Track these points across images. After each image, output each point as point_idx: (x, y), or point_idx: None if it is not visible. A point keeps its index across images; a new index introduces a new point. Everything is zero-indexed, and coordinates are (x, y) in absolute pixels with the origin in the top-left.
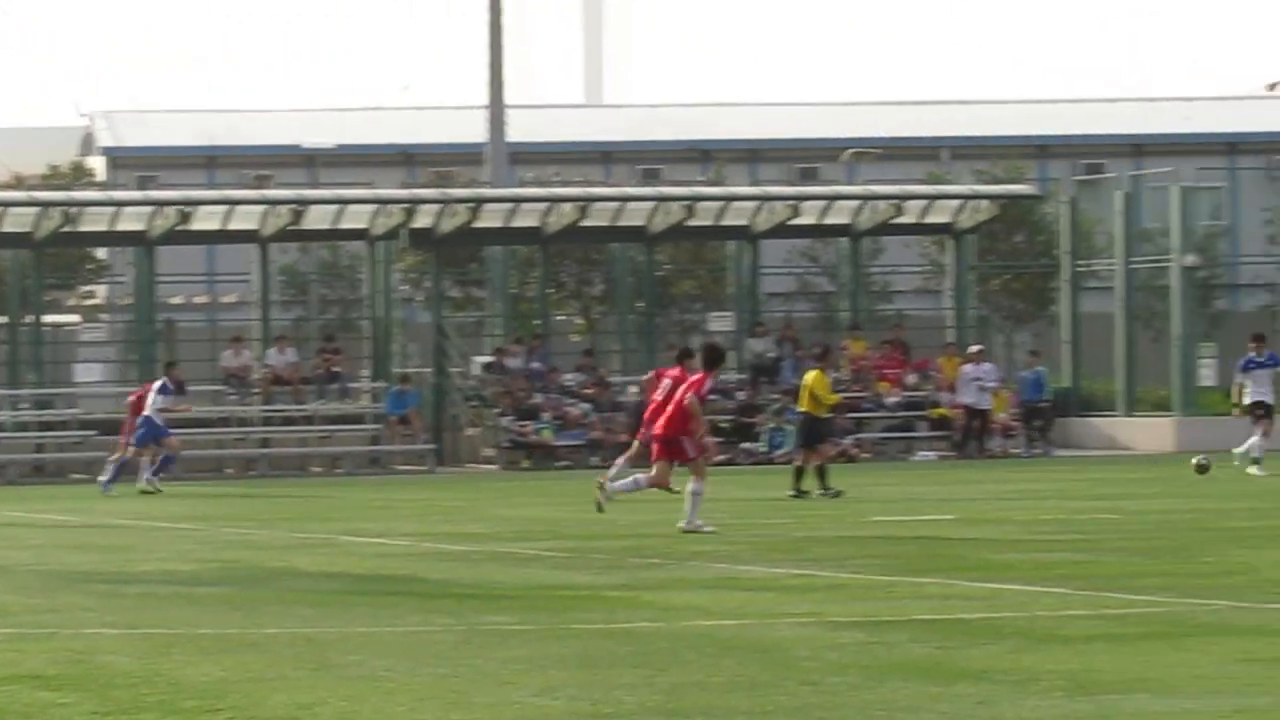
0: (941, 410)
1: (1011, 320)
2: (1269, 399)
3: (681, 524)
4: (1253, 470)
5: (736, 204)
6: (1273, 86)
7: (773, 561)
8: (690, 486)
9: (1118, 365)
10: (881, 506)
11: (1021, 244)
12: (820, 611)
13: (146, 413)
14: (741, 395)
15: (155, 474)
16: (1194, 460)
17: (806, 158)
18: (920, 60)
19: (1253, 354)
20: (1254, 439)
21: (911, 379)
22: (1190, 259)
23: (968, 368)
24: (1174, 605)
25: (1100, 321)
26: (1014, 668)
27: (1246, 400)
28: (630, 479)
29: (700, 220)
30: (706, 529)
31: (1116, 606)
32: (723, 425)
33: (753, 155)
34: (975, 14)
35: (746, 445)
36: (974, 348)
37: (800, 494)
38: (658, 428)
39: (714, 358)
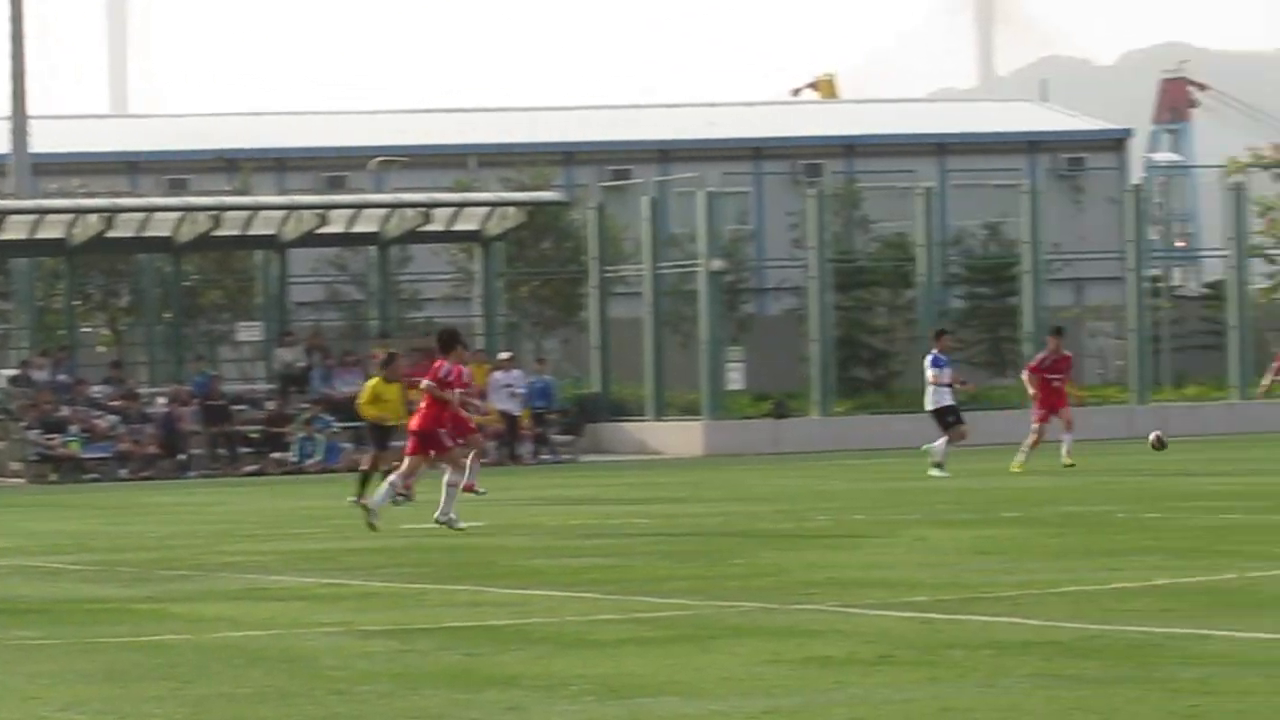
0: None
1: (541, 326)
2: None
3: (436, 514)
4: (935, 473)
5: (263, 213)
6: (797, 92)
7: (303, 571)
8: (446, 478)
9: (647, 370)
10: (412, 514)
11: (550, 250)
12: (350, 621)
13: None
14: (271, 405)
15: None
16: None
17: (333, 166)
18: (446, 68)
19: (937, 351)
20: (939, 442)
21: None
22: (717, 263)
23: (498, 375)
24: (703, 608)
25: (629, 326)
26: (544, 673)
27: (930, 404)
28: (385, 485)
29: (227, 230)
30: (460, 524)
31: (646, 610)
32: (252, 435)
33: (280, 164)
34: (501, 22)
35: (276, 455)
36: (504, 355)
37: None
38: (411, 423)
39: (446, 343)
